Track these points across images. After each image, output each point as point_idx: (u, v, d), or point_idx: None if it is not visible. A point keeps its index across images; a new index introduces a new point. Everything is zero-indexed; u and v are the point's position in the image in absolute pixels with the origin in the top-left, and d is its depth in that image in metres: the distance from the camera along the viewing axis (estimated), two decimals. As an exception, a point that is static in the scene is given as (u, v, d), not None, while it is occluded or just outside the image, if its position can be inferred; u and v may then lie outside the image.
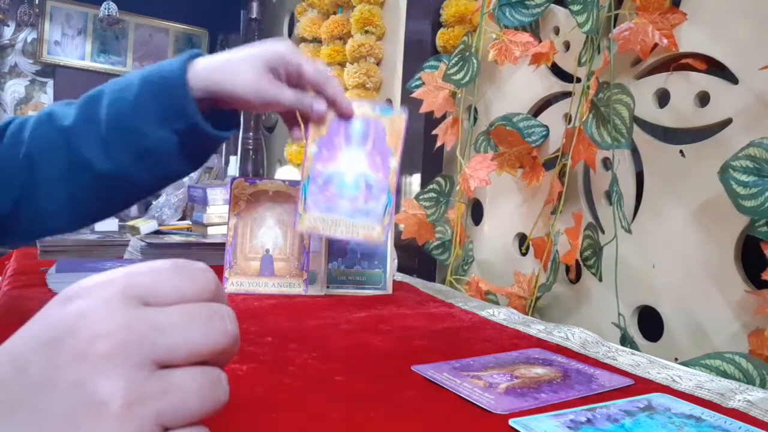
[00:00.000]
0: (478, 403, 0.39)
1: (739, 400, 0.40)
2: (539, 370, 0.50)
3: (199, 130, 0.51)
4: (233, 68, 0.52)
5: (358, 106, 0.63)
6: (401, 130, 0.63)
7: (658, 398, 0.44)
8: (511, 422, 0.37)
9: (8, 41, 2.38)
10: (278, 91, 0.53)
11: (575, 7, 0.83)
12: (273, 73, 0.53)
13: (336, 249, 0.82)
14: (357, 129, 0.63)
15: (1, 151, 0.53)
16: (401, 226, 1.05)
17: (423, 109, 1.08)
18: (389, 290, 0.81)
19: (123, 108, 0.51)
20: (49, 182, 0.52)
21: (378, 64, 1.50)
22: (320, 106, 0.57)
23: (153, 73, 0.52)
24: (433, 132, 1.09)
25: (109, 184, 0.52)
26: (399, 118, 0.64)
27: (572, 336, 0.58)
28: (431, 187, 1.07)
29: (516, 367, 0.51)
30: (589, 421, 0.39)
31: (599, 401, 0.42)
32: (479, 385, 0.44)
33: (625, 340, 0.78)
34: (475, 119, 1.13)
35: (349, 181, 0.63)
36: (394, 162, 0.64)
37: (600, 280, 0.85)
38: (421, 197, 1.07)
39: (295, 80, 0.56)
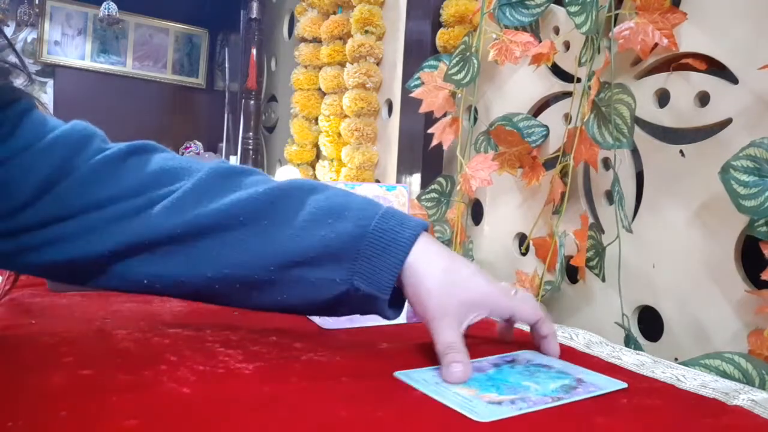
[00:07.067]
0: None
1: (744, 399, 0.41)
2: None
3: (373, 302, 0.45)
4: (427, 309, 0.45)
5: (368, 188, 0.75)
6: (405, 201, 0.77)
7: (523, 354, 0.51)
8: (396, 374, 0.43)
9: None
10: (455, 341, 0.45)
11: (573, 8, 0.84)
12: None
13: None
14: None
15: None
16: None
17: (422, 109, 1.08)
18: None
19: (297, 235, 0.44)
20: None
21: (378, 64, 1.50)
22: None
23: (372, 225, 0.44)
24: (429, 131, 1.09)
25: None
26: (401, 191, 0.76)
27: (576, 336, 0.58)
28: (433, 187, 1.08)
29: None
30: None
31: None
32: None
33: (629, 341, 0.78)
34: (475, 119, 1.13)
35: None
36: None
37: (603, 280, 0.85)
38: (423, 198, 1.07)
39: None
